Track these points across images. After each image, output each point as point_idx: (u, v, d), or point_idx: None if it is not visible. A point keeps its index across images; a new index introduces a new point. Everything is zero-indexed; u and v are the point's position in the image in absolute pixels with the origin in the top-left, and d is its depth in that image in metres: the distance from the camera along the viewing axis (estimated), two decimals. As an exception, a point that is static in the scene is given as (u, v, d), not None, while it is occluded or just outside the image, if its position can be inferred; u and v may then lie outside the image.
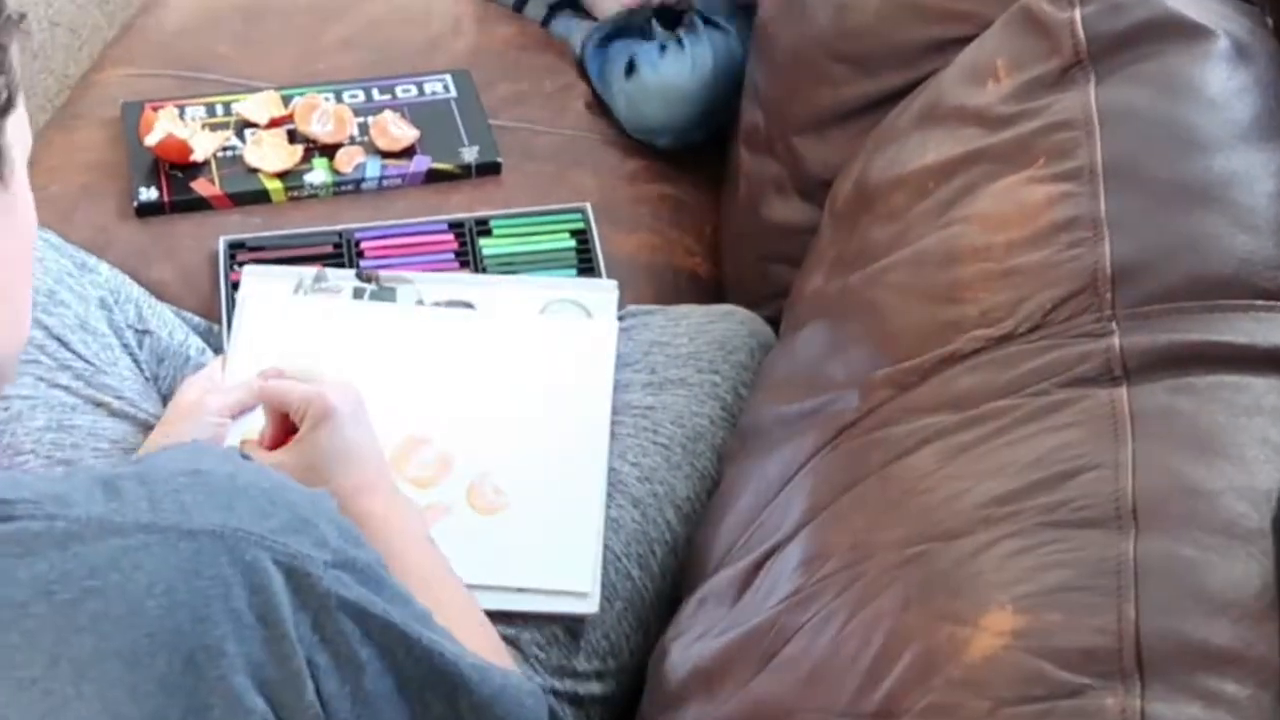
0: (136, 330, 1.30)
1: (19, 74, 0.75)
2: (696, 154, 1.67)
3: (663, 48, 1.66)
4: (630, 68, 1.66)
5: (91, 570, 0.73)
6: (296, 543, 0.79)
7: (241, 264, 1.46)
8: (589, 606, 1.17)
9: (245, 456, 0.86)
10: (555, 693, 1.15)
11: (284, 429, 1.14)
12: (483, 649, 0.96)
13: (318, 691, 0.80)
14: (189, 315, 1.41)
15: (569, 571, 1.18)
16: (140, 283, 1.37)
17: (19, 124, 0.75)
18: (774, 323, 1.39)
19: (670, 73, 1.63)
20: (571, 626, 1.18)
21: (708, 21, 1.67)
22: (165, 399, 1.29)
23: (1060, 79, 1.09)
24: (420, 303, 1.37)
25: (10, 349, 0.78)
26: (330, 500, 0.86)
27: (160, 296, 1.39)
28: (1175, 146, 1.00)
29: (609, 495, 1.24)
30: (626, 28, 1.72)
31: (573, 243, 1.53)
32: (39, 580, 0.73)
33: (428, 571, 1.04)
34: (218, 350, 1.38)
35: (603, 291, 1.39)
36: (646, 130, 1.65)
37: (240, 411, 1.23)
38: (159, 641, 0.74)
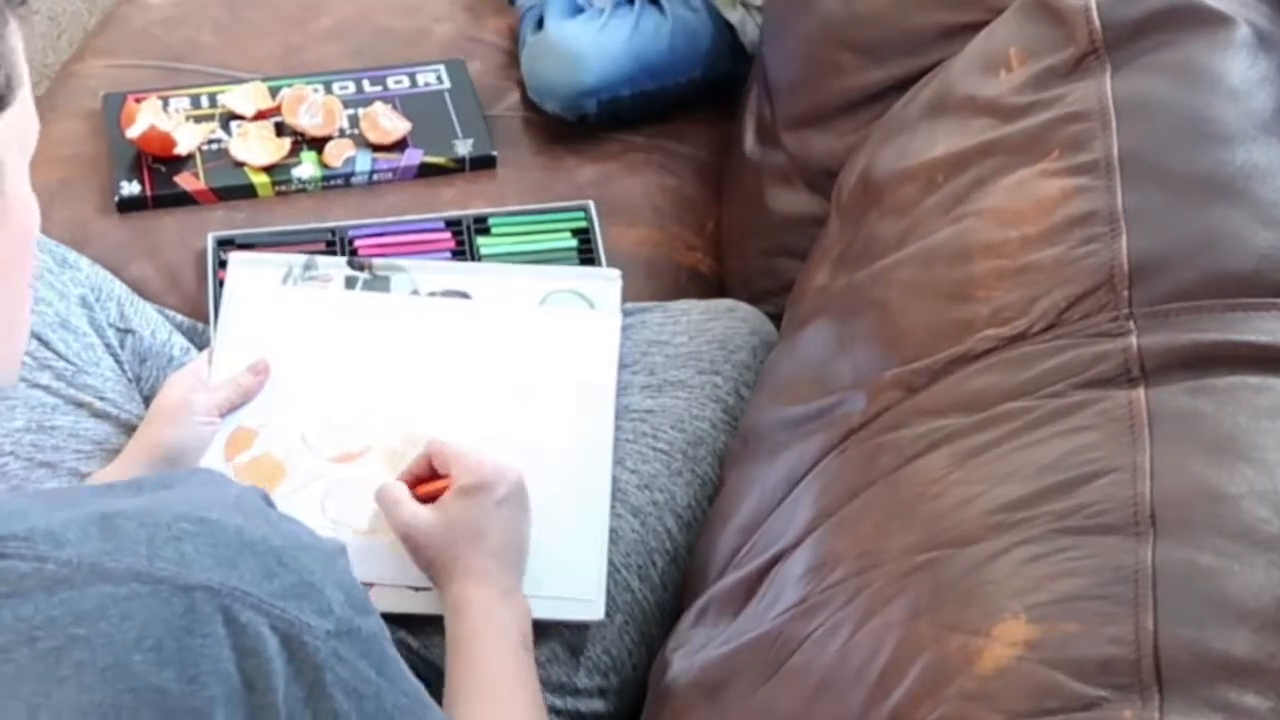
0: (118, 329, 1.30)
1: (20, 67, 0.74)
2: (699, 145, 1.67)
3: (579, 9, 1.67)
4: (539, 24, 1.66)
5: (78, 617, 0.72)
6: (297, 609, 0.77)
7: (228, 261, 1.45)
8: (594, 613, 1.17)
9: (268, 502, 0.84)
10: (556, 711, 1.15)
11: (427, 475, 1.17)
12: None
13: None
14: (172, 313, 1.40)
15: (574, 577, 1.18)
16: (121, 280, 1.37)
17: (12, 122, 0.74)
18: (777, 319, 1.38)
19: (572, 32, 1.63)
20: (571, 642, 1.18)
21: None
22: (148, 400, 1.29)
23: (1075, 68, 1.08)
24: (415, 292, 1.36)
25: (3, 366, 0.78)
26: (344, 559, 0.85)
27: (141, 294, 1.39)
28: (1194, 138, 1.00)
29: None
30: None
31: (574, 242, 1.52)
32: (23, 624, 0.72)
33: (500, 680, 1.06)
34: (202, 349, 1.37)
35: (605, 281, 1.38)
36: (538, 89, 1.64)
37: (229, 410, 1.23)
38: (142, 699, 0.72)
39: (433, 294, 1.36)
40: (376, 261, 1.38)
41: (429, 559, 1.13)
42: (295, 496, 1.20)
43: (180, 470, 0.92)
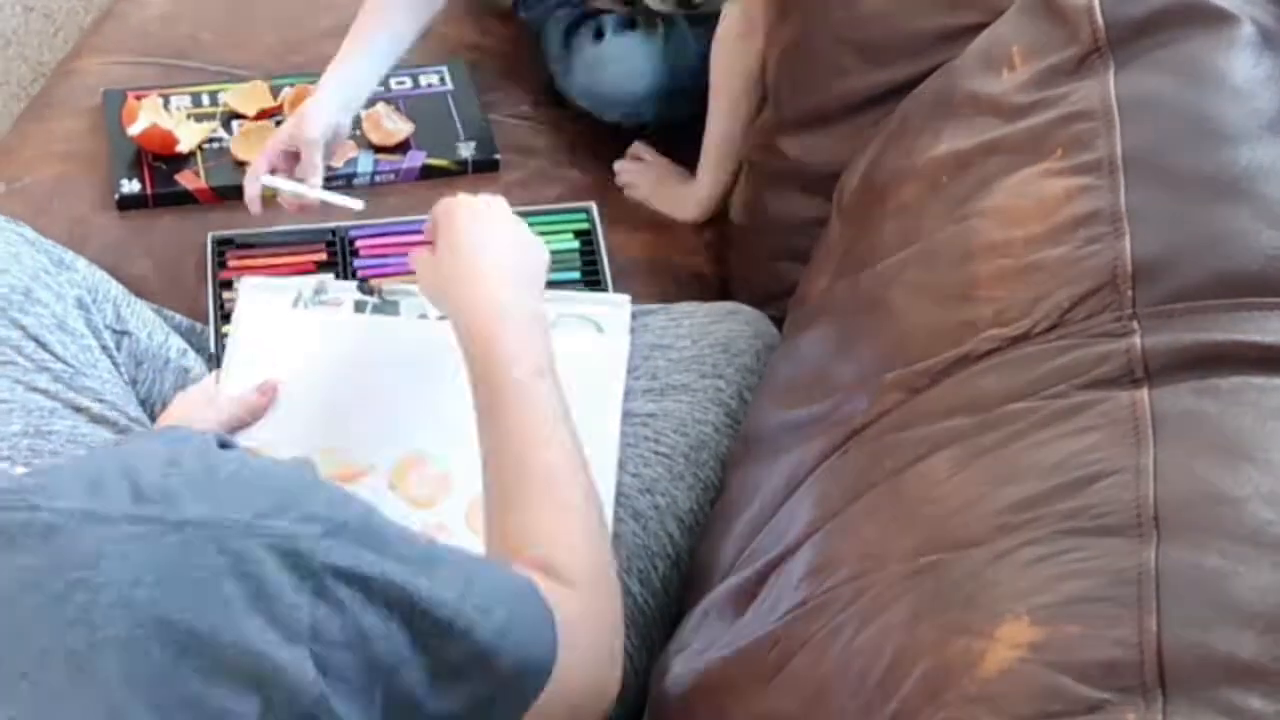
0: (114, 331, 1.30)
1: None
2: (700, 147, 1.67)
3: (632, 22, 1.69)
4: (598, 34, 1.67)
5: (78, 561, 0.75)
6: (284, 523, 0.80)
7: (228, 261, 1.45)
8: None
9: (224, 444, 0.87)
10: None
11: None
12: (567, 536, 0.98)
13: (325, 670, 0.79)
14: (170, 314, 1.40)
15: None
16: (119, 279, 1.37)
17: None
18: (780, 322, 1.38)
19: (632, 43, 1.65)
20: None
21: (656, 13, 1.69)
22: (144, 403, 1.29)
23: (1078, 67, 1.08)
24: (424, 316, 1.36)
25: None
26: (310, 468, 0.87)
27: (140, 293, 1.39)
28: (1199, 137, 1.00)
29: None
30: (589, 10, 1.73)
31: (576, 244, 1.52)
32: (25, 573, 0.74)
33: (519, 414, 1.05)
34: (200, 351, 1.38)
35: (615, 306, 1.38)
36: (598, 99, 1.66)
37: (236, 429, 1.23)
38: (151, 631, 0.75)
39: (442, 318, 1.36)
40: (386, 285, 1.39)
41: (446, 301, 1.15)
42: None
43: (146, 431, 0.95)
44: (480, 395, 1.08)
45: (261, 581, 0.77)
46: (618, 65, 1.65)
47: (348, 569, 0.81)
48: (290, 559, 0.79)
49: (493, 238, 1.17)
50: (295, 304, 1.37)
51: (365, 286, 1.38)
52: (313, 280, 1.39)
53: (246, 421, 1.25)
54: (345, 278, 1.46)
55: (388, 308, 1.37)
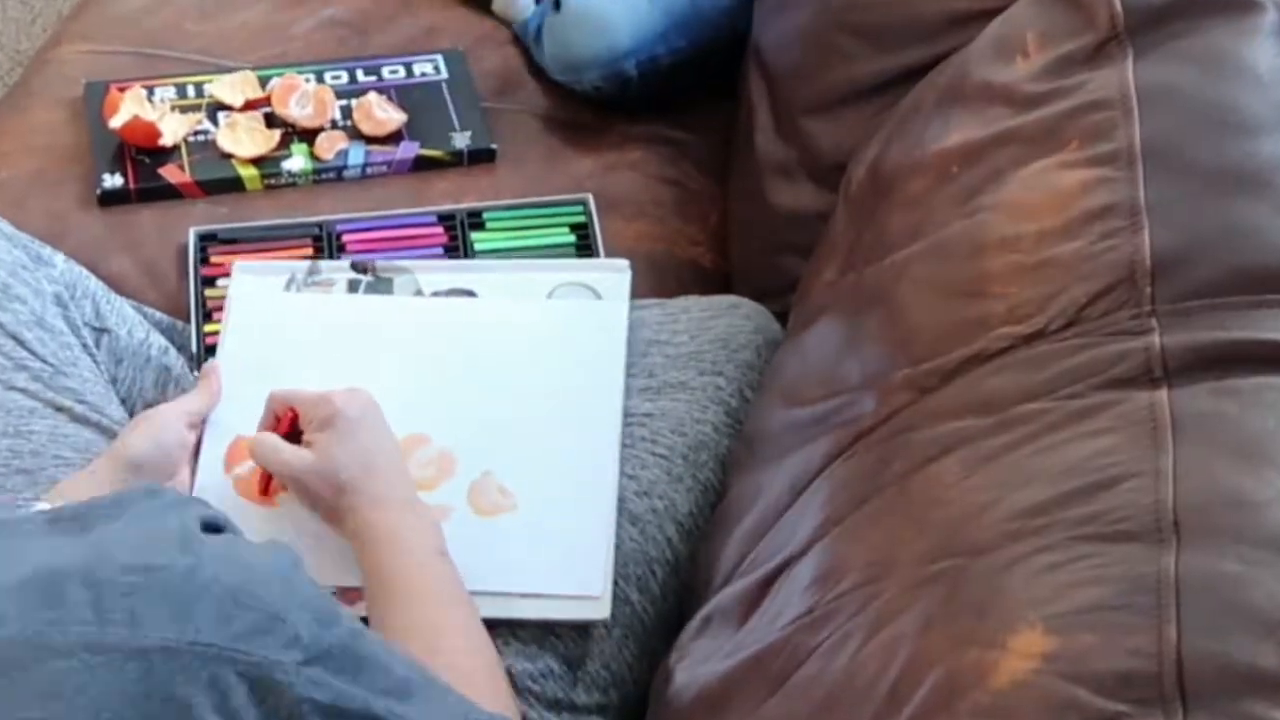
0: (94, 328, 1.30)
1: None
2: (700, 135, 1.67)
3: None
4: (556, 4, 1.66)
5: (29, 699, 0.72)
6: (264, 647, 0.77)
7: (210, 257, 1.45)
8: (601, 611, 1.17)
9: (211, 525, 0.85)
10: (554, 728, 1.15)
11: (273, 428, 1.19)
12: (481, 691, 0.95)
13: None
14: (151, 311, 1.40)
15: (580, 574, 1.18)
16: (98, 275, 1.37)
17: None
18: (783, 317, 1.38)
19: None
20: (568, 657, 1.17)
21: None
22: (124, 402, 1.29)
23: (1095, 55, 1.08)
24: (419, 293, 1.37)
25: None
26: (301, 571, 0.85)
27: (119, 290, 1.39)
28: (1219, 128, 1.00)
29: None
30: None
31: (572, 237, 1.52)
32: None
33: (428, 594, 1.06)
34: (182, 349, 1.38)
35: (614, 272, 1.39)
36: (572, 65, 1.64)
37: (200, 417, 1.23)
38: None
39: (437, 293, 1.37)
40: (379, 264, 1.39)
41: (322, 500, 1.14)
42: (296, 503, 1.19)
43: (133, 489, 0.92)
44: (386, 579, 1.09)
45: (230, 713, 0.75)
46: (580, 27, 1.63)
47: (327, 705, 0.79)
48: (263, 690, 0.77)
49: (383, 434, 1.17)
50: (288, 286, 1.37)
51: (358, 265, 1.38)
52: (305, 262, 1.40)
53: (209, 405, 1.24)
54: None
55: (381, 286, 1.37)
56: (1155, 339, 0.91)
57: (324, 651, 0.80)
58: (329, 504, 1.14)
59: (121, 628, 0.74)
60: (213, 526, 0.86)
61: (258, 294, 1.36)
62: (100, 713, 0.72)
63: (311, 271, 1.38)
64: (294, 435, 1.18)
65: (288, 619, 0.79)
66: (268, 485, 1.20)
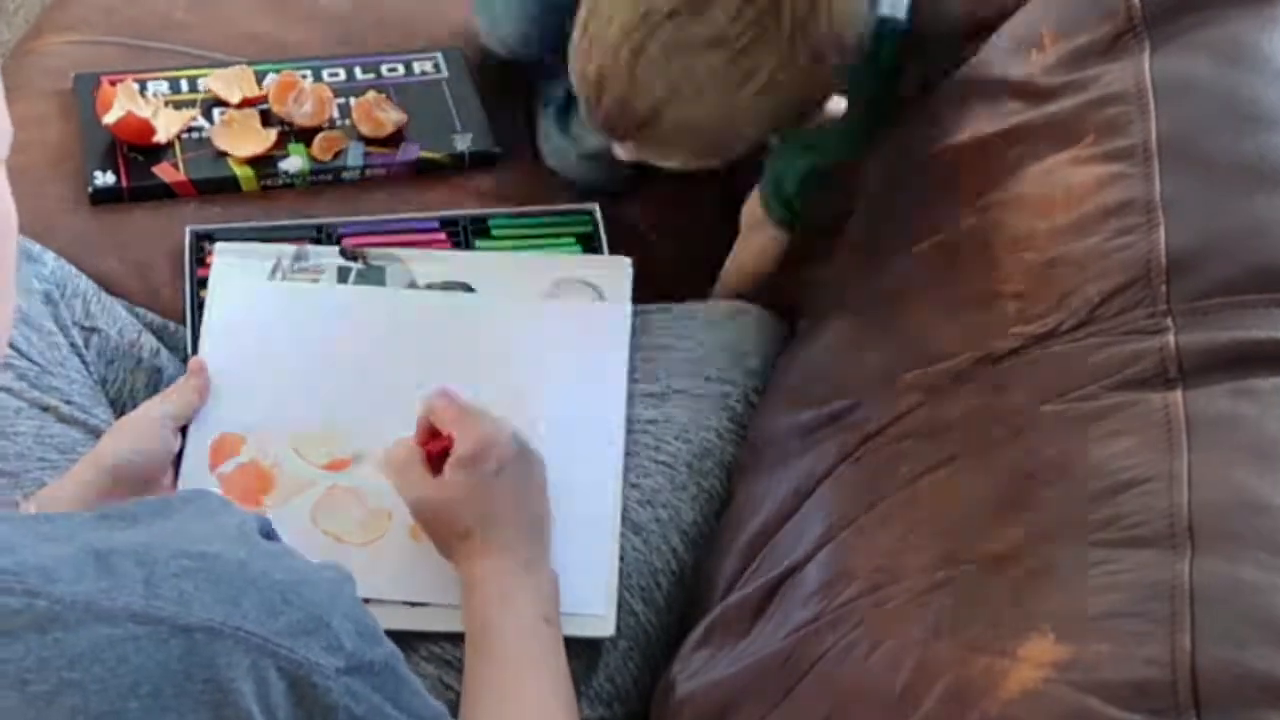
0: (83, 328, 1.30)
1: None
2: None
3: None
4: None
5: (72, 660, 0.72)
6: (305, 647, 0.78)
7: (207, 258, 1.45)
8: (605, 628, 1.17)
9: (271, 533, 0.85)
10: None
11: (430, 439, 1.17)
12: None
13: None
14: (143, 312, 1.40)
15: (582, 591, 1.17)
16: (87, 274, 1.37)
17: None
18: (791, 322, 1.37)
19: None
20: (572, 671, 1.17)
21: None
22: (114, 403, 1.29)
23: (1111, 47, 1.08)
24: (413, 284, 1.36)
25: None
26: (351, 587, 0.85)
27: (109, 290, 1.39)
28: (1238, 122, 1.00)
29: None
30: None
31: (579, 248, 1.51)
32: (12, 666, 0.72)
33: (519, 661, 1.07)
34: (174, 351, 1.37)
35: (615, 269, 1.38)
36: (497, 33, 1.62)
37: (185, 418, 1.23)
38: None
39: (431, 285, 1.36)
40: (371, 251, 1.38)
41: (439, 538, 1.14)
42: (283, 507, 1.20)
43: (182, 494, 0.93)
44: (484, 633, 1.09)
45: (266, 707, 0.76)
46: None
47: (360, 717, 0.80)
48: (300, 690, 0.77)
49: (528, 488, 1.16)
50: (274, 272, 1.36)
51: (348, 252, 1.37)
52: (291, 246, 1.38)
53: (195, 405, 1.24)
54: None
55: (373, 274, 1.36)
56: (1171, 339, 0.91)
57: (365, 664, 0.81)
58: (446, 543, 1.14)
59: (170, 604, 0.75)
60: (267, 535, 0.86)
61: (242, 283, 1.34)
62: (140, 685, 0.73)
63: (299, 257, 1.37)
64: (444, 454, 1.15)
65: (332, 624, 0.80)
66: (436, 462, 1.16)
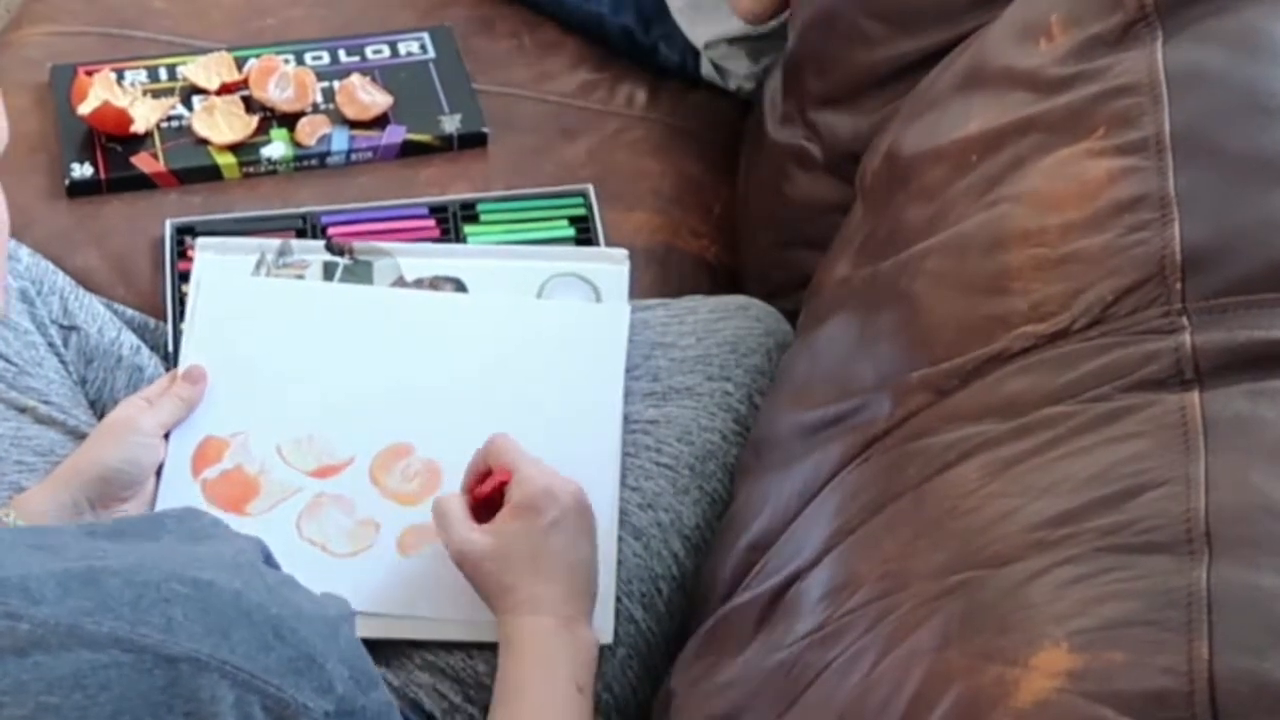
0: (61, 326, 1.30)
1: None
2: (702, 119, 1.67)
3: None
4: None
5: (51, 684, 0.72)
6: (294, 687, 0.77)
7: (188, 251, 1.45)
8: (603, 637, 1.16)
9: (270, 560, 0.85)
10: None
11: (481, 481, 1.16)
12: None
13: None
14: (122, 308, 1.40)
15: None
16: (64, 270, 1.37)
17: None
18: (794, 316, 1.37)
19: None
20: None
21: None
22: (94, 404, 1.29)
23: (1123, 36, 1.08)
24: (401, 279, 1.36)
25: None
26: (349, 627, 0.85)
27: (87, 286, 1.38)
28: (1254, 114, 1.00)
29: None
30: None
31: (572, 231, 1.51)
32: None
33: None
34: (155, 348, 1.37)
35: (612, 263, 1.38)
36: None
37: (174, 425, 1.23)
38: None
39: (420, 280, 1.35)
40: (358, 245, 1.38)
41: (484, 587, 1.12)
42: (268, 514, 1.19)
43: (169, 513, 0.93)
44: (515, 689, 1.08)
45: None
46: None
47: None
48: None
49: (578, 543, 1.14)
50: (258, 267, 1.36)
51: (334, 246, 1.37)
52: (275, 240, 1.38)
53: (183, 415, 1.23)
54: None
55: (359, 269, 1.36)
56: (1186, 338, 0.91)
57: (356, 710, 0.81)
58: (487, 594, 1.12)
59: (156, 631, 0.75)
60: (269, 563, 0.86)
61: (225, 279, 1.34)
62: (119, 714, 0.73)
63: (283, 252, 1.36)
64: (494, 501, 1.14)
65: (326, 665, 0.79)
66: (480, 509, 1.15)
